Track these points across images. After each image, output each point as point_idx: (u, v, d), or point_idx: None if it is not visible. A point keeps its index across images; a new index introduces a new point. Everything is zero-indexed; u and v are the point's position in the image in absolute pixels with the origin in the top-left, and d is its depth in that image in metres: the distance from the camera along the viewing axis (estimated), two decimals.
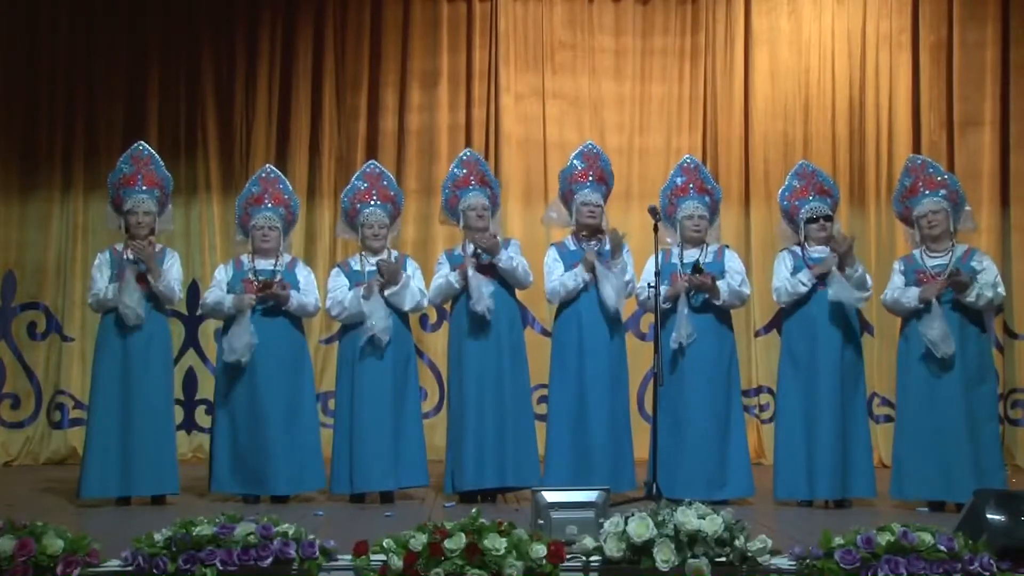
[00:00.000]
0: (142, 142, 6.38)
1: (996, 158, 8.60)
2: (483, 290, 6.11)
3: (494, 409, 6.16)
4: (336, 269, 6.47)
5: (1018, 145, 8.59)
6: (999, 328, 8.26)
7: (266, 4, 8.75)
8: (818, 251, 6.16)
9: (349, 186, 6.48)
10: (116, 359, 6.02)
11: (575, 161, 6.42)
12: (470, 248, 6.29)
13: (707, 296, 6.14)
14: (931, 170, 6.13)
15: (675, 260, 6.24)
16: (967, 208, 6.15)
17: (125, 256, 6.09)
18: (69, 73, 8.63)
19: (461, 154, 6.63)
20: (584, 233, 6.33)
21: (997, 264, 6.42)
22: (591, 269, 6.20)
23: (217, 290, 6.28)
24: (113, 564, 3.99)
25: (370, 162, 6.69)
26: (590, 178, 6.34)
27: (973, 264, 6.00)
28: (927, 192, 6.07)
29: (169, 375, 6.23)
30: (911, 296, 5.97)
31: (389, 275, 6.16)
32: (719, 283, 6.11)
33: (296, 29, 8.75)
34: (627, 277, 6.26)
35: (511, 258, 6.24)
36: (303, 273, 6.38)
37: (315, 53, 8.76)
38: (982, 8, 8.67)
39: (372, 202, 6.34)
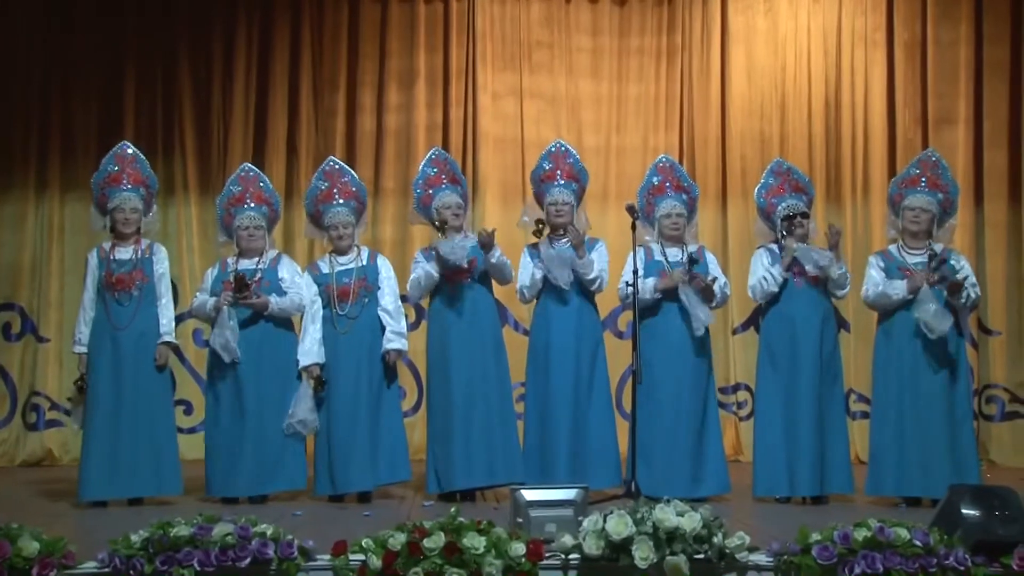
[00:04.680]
0: (126, 142, 6.40)
1: (970, 155, 8.64)
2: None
3: (482, 407, 6.16)
4: (305, 272, 6.44)
5: (992, 142, 8.64)
6: (973, 325, 8.30)
7: (242, 4, 8.70)
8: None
9: (311, 187, 6.48)
10: (107, 358, 5.99)
11: (543, 162, 6.43)
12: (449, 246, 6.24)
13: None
14: (939, 171, 6.15)
15: (659, 258, 6.25)
16: (952, 222, 6.19)
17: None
18: (45, 72, 8.54)
19: (429, 153, 6.63)
20: (560, 232, 6.33)
21: (971, 262, 6.47)
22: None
23: (202, 294, 6.28)
24: (89, 566, 3.97)
25: (329, 159, 6.67)
26: (558, 177, 6.35)
27: (952, 263, 6.03)
28: (926, 189, 6.10)
29: (165, 373, 6.16)
30: (899, 288, 5.96)
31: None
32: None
33: (273, 29, 8.71)
34: (592, 275, 6.25)
35: (502, 255, 6.26)
36: (288, 270, 6.32)
37: (292, 53, 8.72)
38: (955, 7, 8.71)
39: (335, 202, 6.32)
